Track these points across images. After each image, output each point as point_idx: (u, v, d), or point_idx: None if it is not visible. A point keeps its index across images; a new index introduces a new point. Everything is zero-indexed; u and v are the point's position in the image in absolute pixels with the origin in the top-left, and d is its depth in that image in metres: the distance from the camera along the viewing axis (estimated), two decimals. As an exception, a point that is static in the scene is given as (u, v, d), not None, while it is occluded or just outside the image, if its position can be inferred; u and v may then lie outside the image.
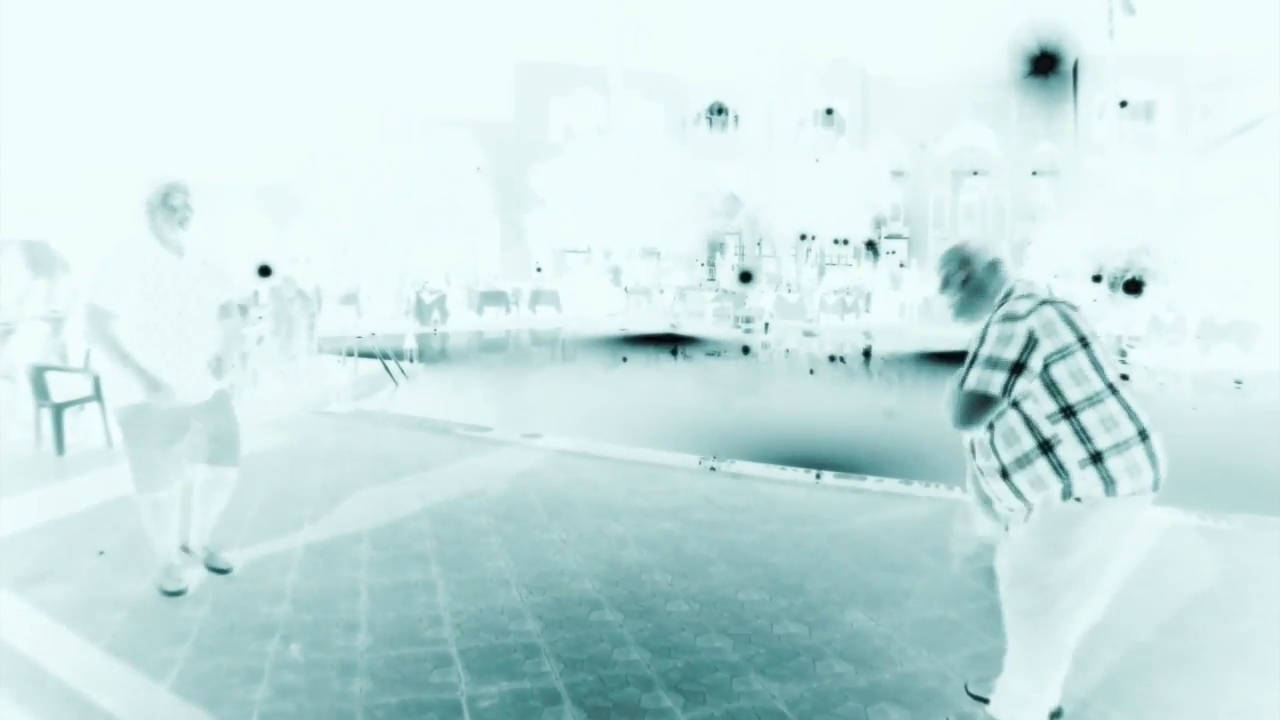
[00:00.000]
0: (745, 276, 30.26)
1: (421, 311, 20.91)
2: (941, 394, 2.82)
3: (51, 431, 6.82)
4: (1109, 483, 2.58)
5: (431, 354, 16.47)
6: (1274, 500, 6.23)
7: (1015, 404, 2.66)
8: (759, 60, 35.17)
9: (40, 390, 6.95)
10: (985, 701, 3.04)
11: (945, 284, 2.91)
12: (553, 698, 3.11)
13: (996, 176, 36.33)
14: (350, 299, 22.81)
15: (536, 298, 25.59)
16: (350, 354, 12.25)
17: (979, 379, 2.63)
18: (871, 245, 34.98)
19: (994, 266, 2.84)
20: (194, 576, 4.09)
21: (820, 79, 35.11)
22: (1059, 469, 2.62)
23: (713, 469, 6.56)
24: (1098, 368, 2.62)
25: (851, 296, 25.86)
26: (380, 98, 29.39)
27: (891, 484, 6.15)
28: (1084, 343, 2.62)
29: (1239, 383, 13.85)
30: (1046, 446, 2.63)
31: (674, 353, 18.33)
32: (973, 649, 3.56)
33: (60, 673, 3.22)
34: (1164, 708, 3.12)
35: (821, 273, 33.41)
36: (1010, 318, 2.62)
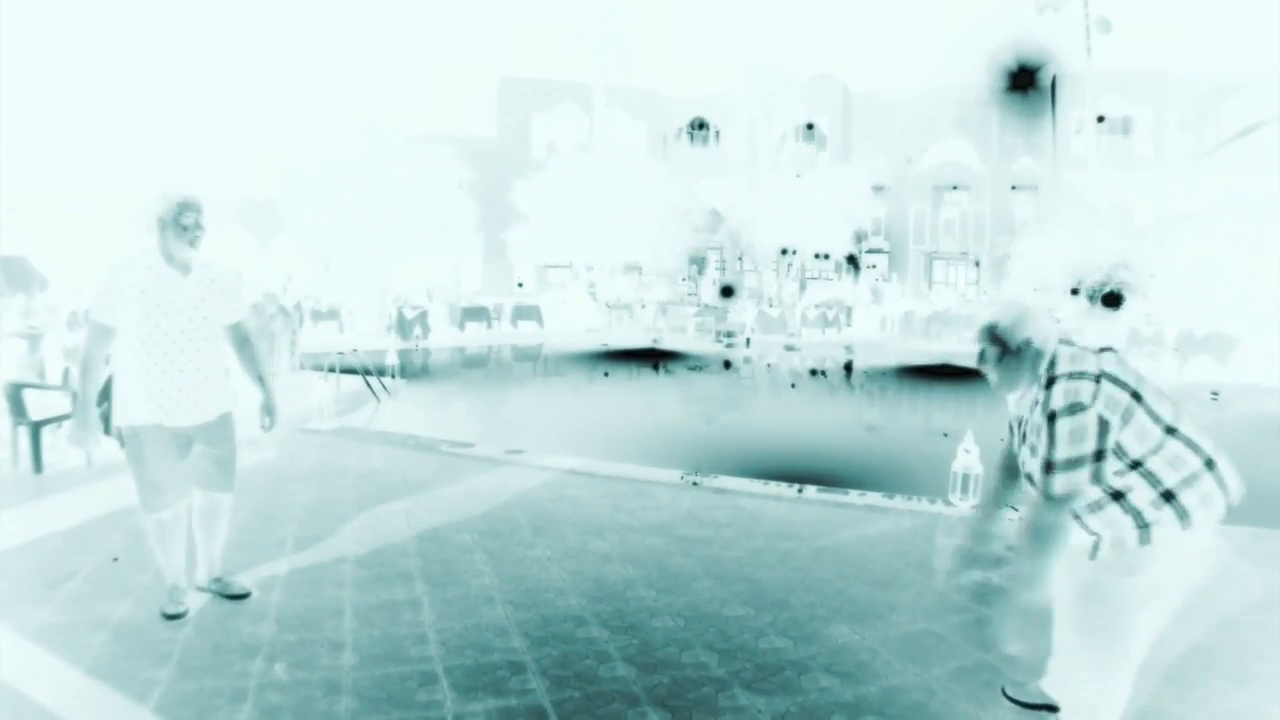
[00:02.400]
0: (727, 291, 30.42)
1: (403, 327, 20.84)
2: (1025, 516, 2.73)
3: (29, 450, 6.76)
4: (1184, 517, 2.62)
5: (414, 370, 16.42)
6: (1251, 511, 6.32)
7: None
8: (741, 76, 35.40)
9: (17, 408, 6.89)
10: (1026, 706, 3.16)
11: (981, 358, 2.87)
12: (539, 715, 3.12)
13: (977, 191, 36.70)
14: (332, 315, 22.72)
15: (518, 313, 25.57)
16: (332, 370, 12.21)
17: (1067, 484, 2.57)
18: (852, 260, 35.23)
19: (1026, 343, 2.75)
20: (194, 601, 4.07)
21: (802, 95, 35.35)
22: (1133, 512, 2.65)
23: (696, 484, 6.58)
24: (1155, 418, 2.63)
25: (833, 311, 26.00)
26: (364, 114, 29.35)
27: (874, 498, 6.19)
28: (1137, 397, 2.62)
29: (1215, 395, 14.02)
30: (1118, 495, 2.66)
31: (656, 368, 18.36)
32: (957, 662, 3.59)
33: (41, 696, 3.20)
34: (1144, 716, 3.16)
35: (803, 287, 33.59)
36: (1077, 408, 2.56)
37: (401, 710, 3.13)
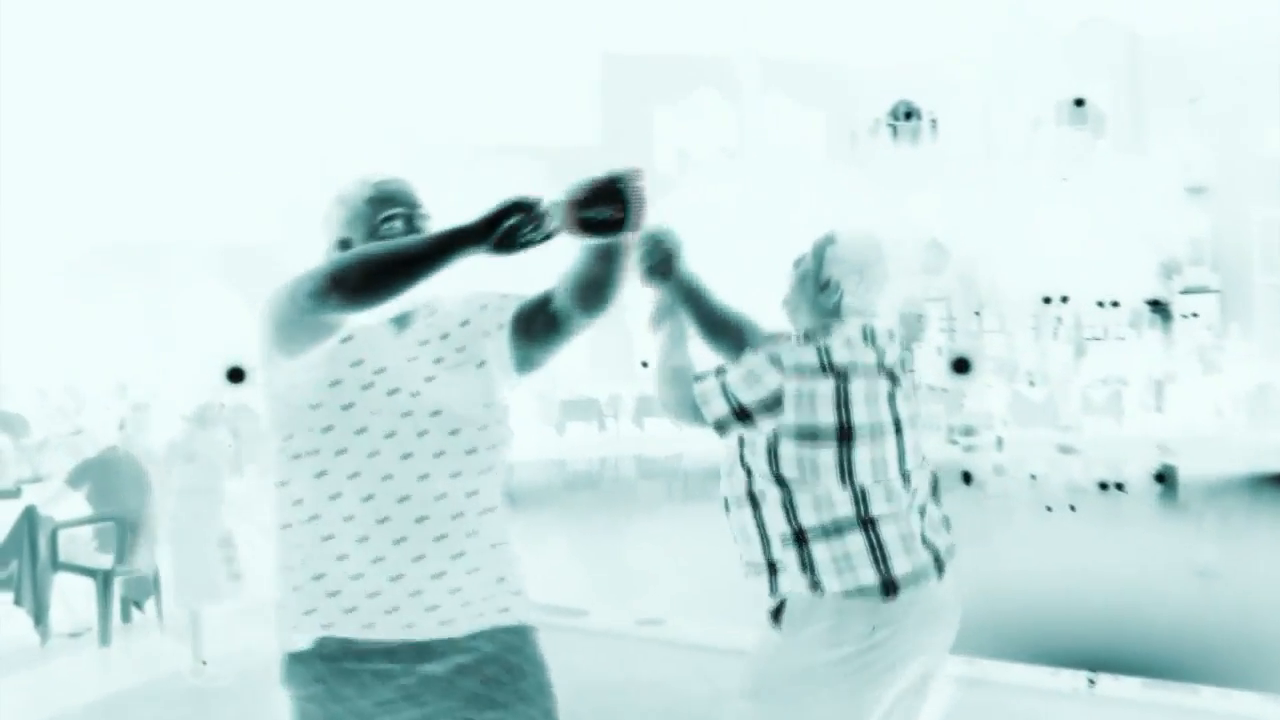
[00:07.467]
0: (960, 365, 30.01)
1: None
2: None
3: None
4: (810, 572, 2.89)
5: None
6: None
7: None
8: (965, 33, 35.52)
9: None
10: None
11: (794, 266, 3.33)
12: None
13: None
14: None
15: (645, 407, 25.77)
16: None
17: (702, 392, 3.05)
18: (1159, 306, 34.29)
19: (834, 289, 3.14)
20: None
21: (1063, 53, 35.12)
22: (761, 531, 3.02)
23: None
24: (844, 470, 2.89)
25: (1131, 388, 25.41)
26: (400, 119, 30.70)
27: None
28: (844, 434, 2.89)
29: None
30: (753, 499, 3.03)
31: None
32: None
33: None
34: None
35: (1080, 353, 32.85)
36: (775, 361, 2.93)
37: None
